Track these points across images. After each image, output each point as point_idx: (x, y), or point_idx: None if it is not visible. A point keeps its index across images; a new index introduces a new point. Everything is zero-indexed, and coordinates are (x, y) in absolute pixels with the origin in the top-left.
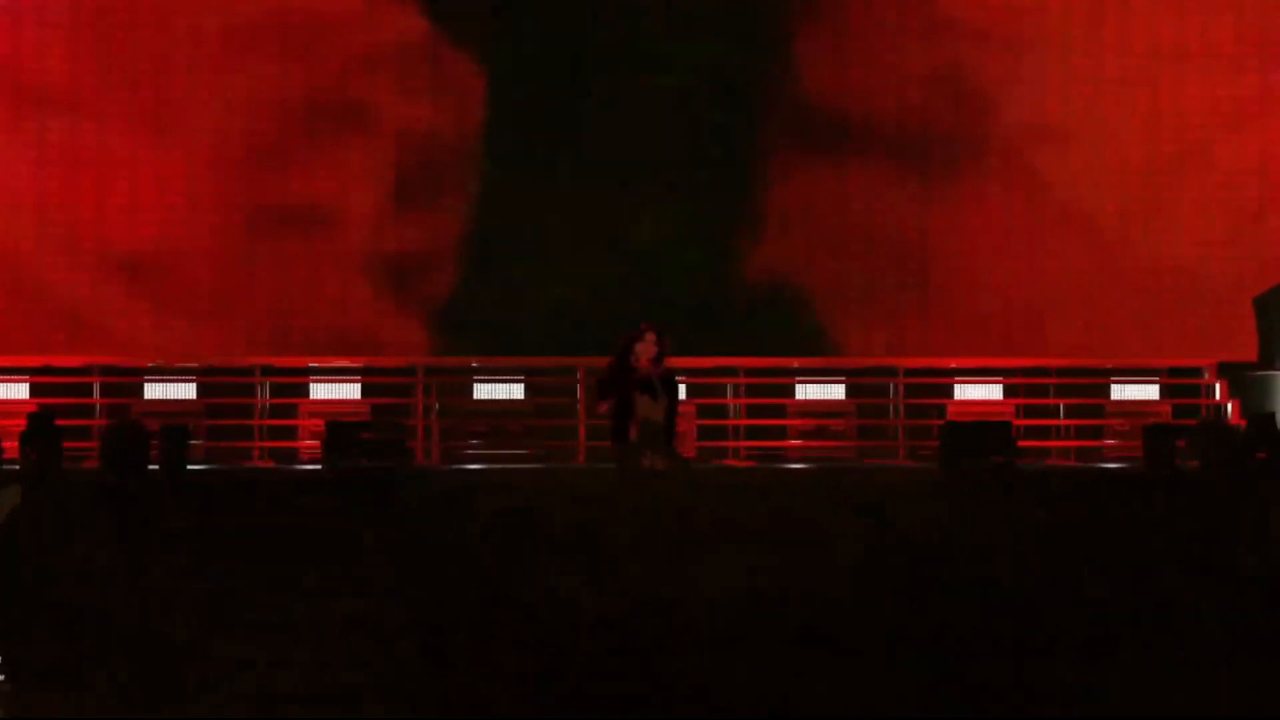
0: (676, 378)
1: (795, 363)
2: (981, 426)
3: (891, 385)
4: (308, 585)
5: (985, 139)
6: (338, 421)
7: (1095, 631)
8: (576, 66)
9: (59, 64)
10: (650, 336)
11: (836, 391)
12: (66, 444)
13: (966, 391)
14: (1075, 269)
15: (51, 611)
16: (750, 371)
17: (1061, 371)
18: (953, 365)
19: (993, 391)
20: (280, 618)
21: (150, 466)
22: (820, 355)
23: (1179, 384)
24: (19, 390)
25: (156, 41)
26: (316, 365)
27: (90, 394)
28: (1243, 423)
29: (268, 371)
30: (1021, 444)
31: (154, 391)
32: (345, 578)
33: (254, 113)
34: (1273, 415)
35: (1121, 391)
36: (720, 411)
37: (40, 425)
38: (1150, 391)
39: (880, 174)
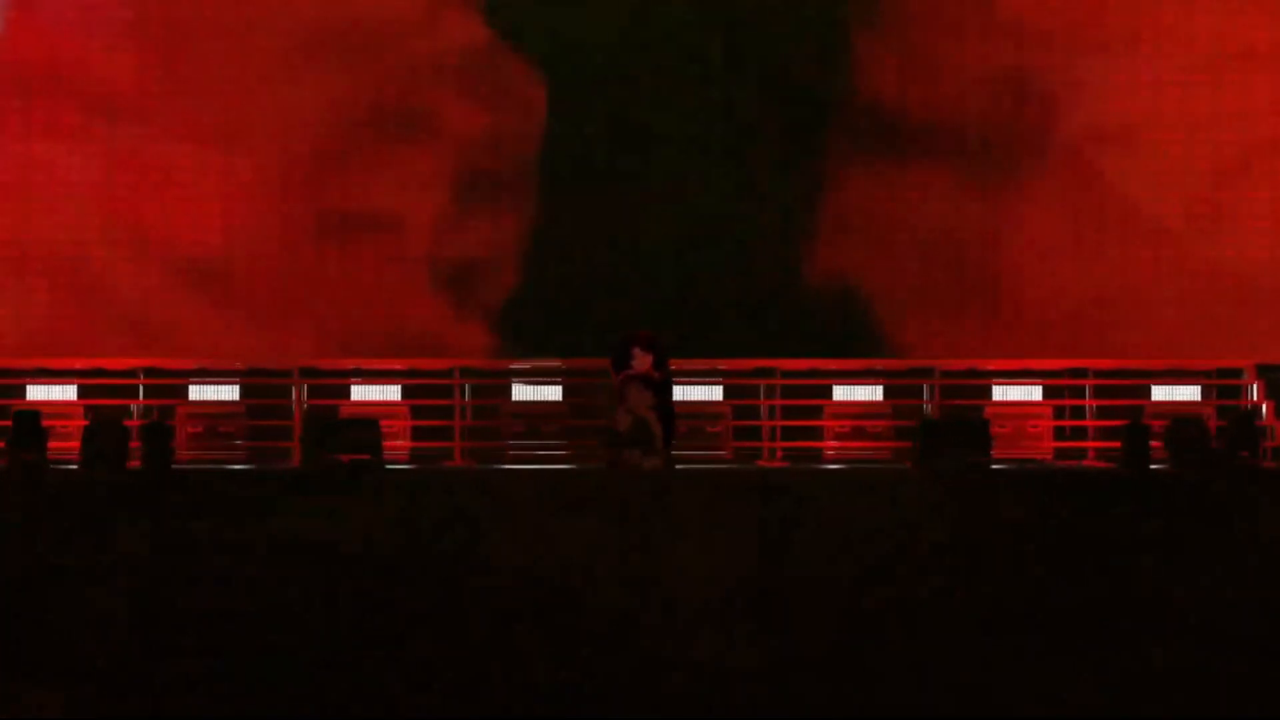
0: (672, 380)
1: (832, 364)
2: (960, 424)
3: (926, 387)
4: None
5: (1047, 141)
6: (317, 417)
7: (1094, 631)
8: (635, 71)
9: (127, 73)
10: (635, 350)
11: (874, 393)
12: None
13: (1005, 393)
14: (1139, 272)
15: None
16: (787, 373)
17: (1100, 373)
18: (990, 367)
19: (1032, 393)
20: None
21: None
22: (876, 357)
23: (1220, 385)
24: (69, 392)
25: (222, 50)
26: (358, 368)
27: (136, 396)
28: (1223, 422)
29: (309, 374)
30: (1058, 445)
31: (198, 393)
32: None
33: (318, 120)
34: (1251, 414)
35: (1161, 393)
36: (756, 412)
37: (27, 425)
38: (1190, 393)
39: (941, 177)
